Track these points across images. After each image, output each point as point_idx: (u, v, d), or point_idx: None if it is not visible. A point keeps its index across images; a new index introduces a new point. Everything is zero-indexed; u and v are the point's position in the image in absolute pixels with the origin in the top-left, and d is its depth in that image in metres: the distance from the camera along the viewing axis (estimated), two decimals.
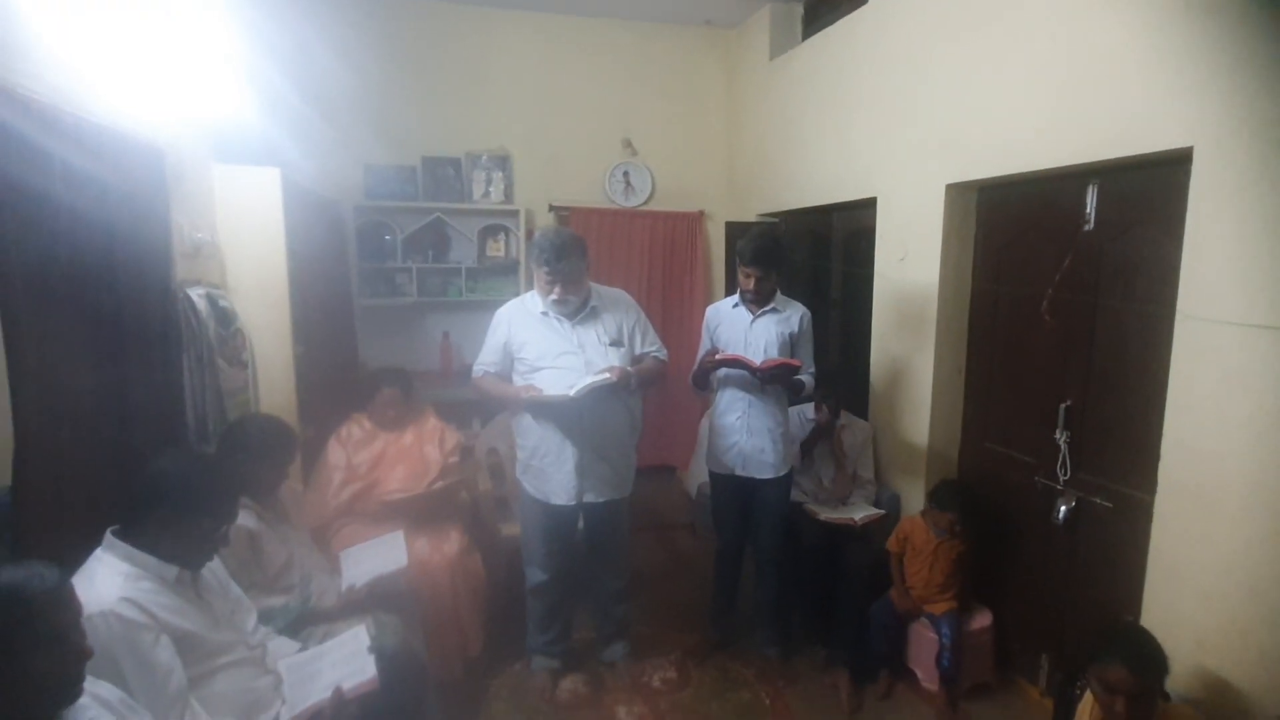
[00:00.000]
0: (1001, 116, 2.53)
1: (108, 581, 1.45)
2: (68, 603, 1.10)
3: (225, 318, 2.36)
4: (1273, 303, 1.71)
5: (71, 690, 1.11)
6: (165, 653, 1.44)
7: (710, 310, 2.90)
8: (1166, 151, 1.96)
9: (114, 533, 1.53)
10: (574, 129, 4.72)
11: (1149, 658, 1.61)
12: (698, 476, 3.88)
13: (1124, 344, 2.28)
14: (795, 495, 3.03)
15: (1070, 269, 2.41)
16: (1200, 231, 1.88)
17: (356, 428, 2.90)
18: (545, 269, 2.41)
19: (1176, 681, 1.84)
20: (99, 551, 1.51)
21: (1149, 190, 2.16)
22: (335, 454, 2.80)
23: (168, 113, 2.18)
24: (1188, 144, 1.89)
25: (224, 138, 2.58)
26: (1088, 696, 1.74)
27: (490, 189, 4.57)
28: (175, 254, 2.17)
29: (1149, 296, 2.17)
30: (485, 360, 2.60)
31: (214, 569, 1.75)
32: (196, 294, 2.24)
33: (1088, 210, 2.36)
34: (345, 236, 4.14)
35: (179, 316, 2.15)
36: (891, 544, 2.83)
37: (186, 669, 1.50)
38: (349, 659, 1.77)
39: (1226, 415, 1.82)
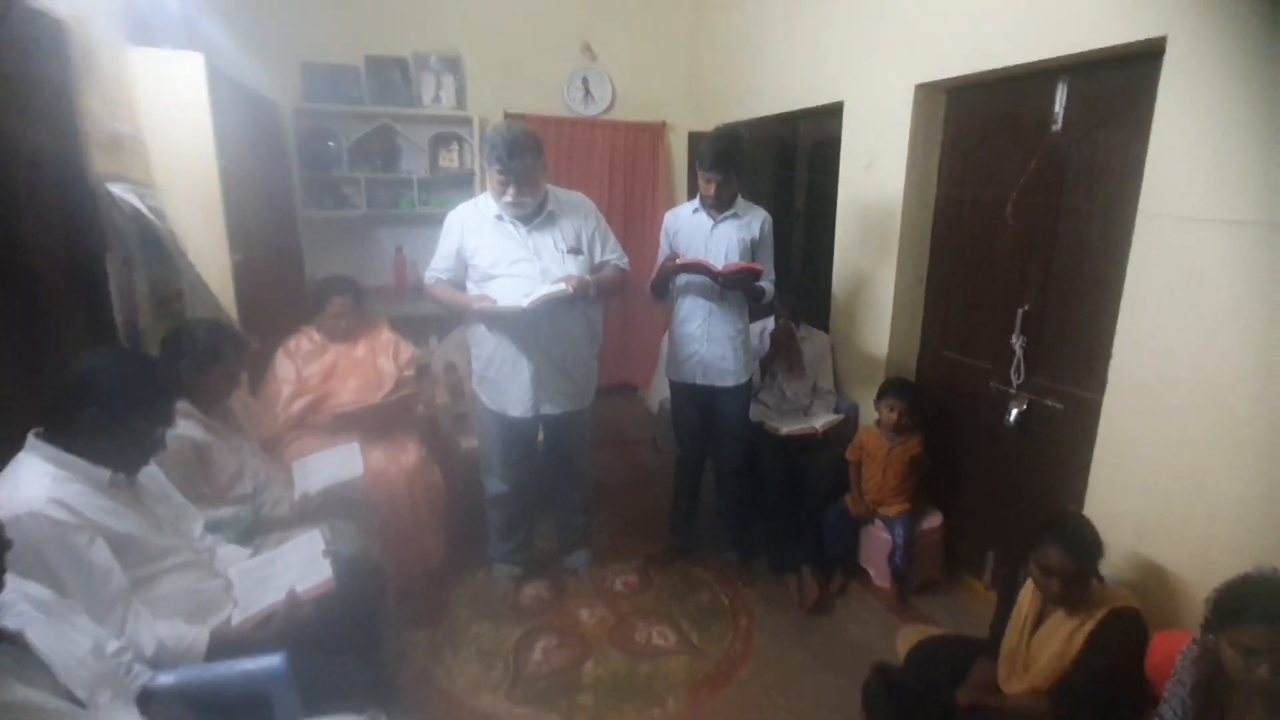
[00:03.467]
0: (973, 10, 2.43)
1: (34, 483, 1.37)
2: None
3: (154, 217, 2.19)
4: (1237, 197, 1.70)
5: None
6: (101, 554, 1.38)
7: (669, 216, 2.80)
8: (1140, 43, 1.91)
9: (37, 435, 1.44)
10: (530, 30, 4.44)
11: (1083, 542, 1.68)
12: (659, 394, 3.88)
13: (1083, 247, 2.28)
14: (757, 410, 3.04)
15: (1036, 172, 2.37)
16: (1168, 126, 1.85)
17: (305, 340, 2.79)
18: (498, 167, 2.28)
19: (1113, 568, 1.93)
20: (21, 455, 1.42)
21: (1118, 88, 2.12)
22: (284, 367, 2.70)
23: None
24: (1161, 33, 1.83)
25: (139, 18, 2.34)
26: (1029, 583, 1.81)
27: (440, 94, 4.30)
28: (90, 145, 1.99)
29: (1111, 198, 2.15)
30: (437, 266, 2.50)
31: (154, 475, 1.68)
32: (120, 190, 2.07)
33: (1056, 110, 2.31)
34: (284, 141, 3.88)
35: (99, 213, 1.99)
36: (849, 454, 2.88)
37: (127, 571, 1.44)
38: (304, 563, 1.74)
39: (1181, 311, 1.84)
